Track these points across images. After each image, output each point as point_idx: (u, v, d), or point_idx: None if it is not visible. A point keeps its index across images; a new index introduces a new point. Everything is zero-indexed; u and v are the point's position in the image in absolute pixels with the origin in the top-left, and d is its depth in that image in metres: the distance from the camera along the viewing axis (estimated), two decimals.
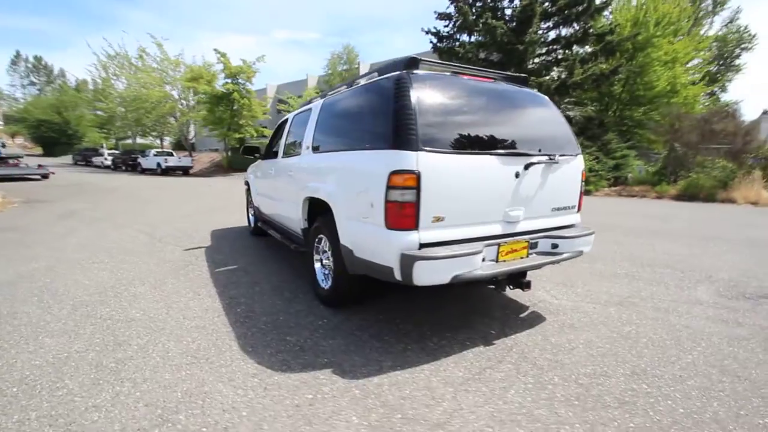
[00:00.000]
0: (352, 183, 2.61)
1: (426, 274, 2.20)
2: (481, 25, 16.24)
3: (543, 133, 2.88)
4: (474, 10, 17.01)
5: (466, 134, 2.44)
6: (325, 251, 3.19)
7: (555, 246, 2.78)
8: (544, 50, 17.02)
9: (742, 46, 29.16)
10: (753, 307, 3.28)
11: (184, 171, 26.16)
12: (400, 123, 2.27)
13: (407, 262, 2.20)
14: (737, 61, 29.11)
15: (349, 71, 36.82)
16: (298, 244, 3.80)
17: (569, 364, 2.36)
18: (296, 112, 4.36)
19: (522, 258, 2.67)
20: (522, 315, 3.09)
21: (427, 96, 2.38)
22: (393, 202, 2.25)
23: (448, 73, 2.74)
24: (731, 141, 12.30)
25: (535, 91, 3.21)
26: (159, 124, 30.29)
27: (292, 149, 4.12)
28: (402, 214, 2.25)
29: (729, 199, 11.12)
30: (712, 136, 12.66)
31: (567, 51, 17.00)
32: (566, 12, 16.30)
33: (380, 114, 2.50)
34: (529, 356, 2.44)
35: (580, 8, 16.08)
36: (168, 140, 34.03)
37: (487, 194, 2.51)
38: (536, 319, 3.01)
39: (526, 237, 2.69)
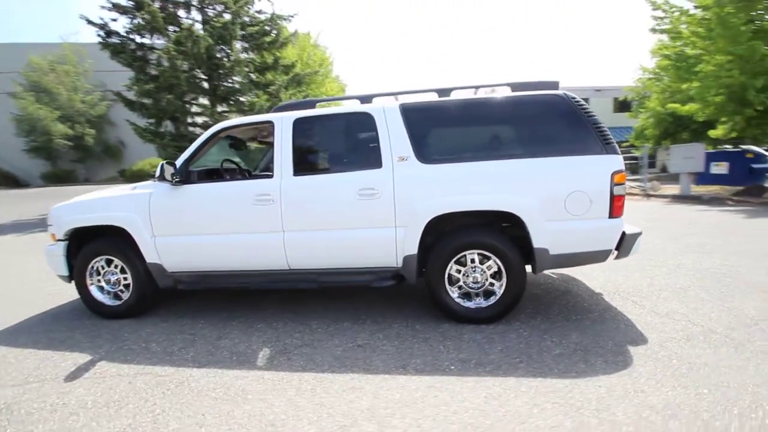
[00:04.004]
0: (557, 186, 2.86)
1: (638, 247, 2.96)
2: (178, 30, 14.49)
3: None
4: (161, 11, 14.84)
5: None
6: (474, 268, 3.00)
7: None
8: (246, 70, 17.34)
9: None
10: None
11: None
12: (605, 133, 2.86)
13: (631, 240, 2.89)
14: None
15: None
16: (386, 278, 3.09)
17: (708, 320, 3.05)
18: (298, 116, 3.20)
19: None
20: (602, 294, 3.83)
21: None
22: (618, 196, 2.83)
23: None
24: None
25: None
26: None
27: (331, 164, 3.17)
28: (620, 204, 2.88)
29: None
30: None
31: (262, 76, 18.11)
32: (254, 41, 17.35)
33: (568, 125, 2.90)
34: (679, 320, 3.10)
35: (269, 39, 17.63)
36: None
37: None
38: (613, 293, 3.80)
39: None
